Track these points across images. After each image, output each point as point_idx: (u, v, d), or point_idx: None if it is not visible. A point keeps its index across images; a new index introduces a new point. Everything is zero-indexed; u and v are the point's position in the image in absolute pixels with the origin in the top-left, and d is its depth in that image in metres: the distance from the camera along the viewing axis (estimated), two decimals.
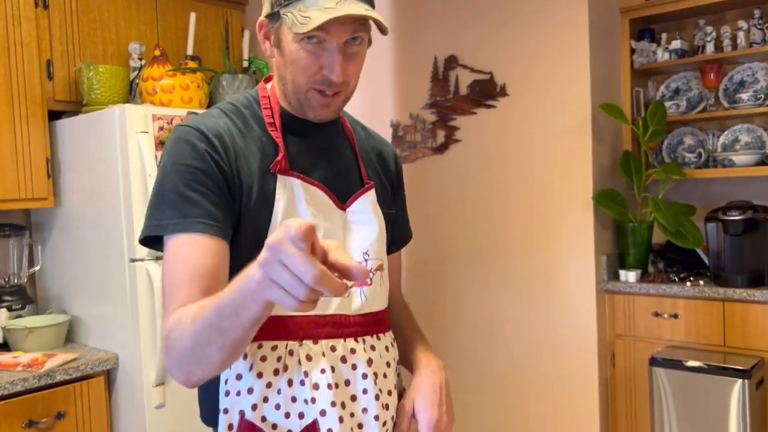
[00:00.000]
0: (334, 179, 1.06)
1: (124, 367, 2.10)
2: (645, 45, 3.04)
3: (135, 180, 2.07)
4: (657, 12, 2.95)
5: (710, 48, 2.90)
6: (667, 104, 3.01)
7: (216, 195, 0.94)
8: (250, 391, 0.93)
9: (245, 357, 0.94)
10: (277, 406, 0.93)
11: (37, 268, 2.46)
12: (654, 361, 2.63)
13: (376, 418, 0.98)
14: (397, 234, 1.22)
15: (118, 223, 2.10)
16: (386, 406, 1.01)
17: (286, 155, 1.02)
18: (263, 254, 0.68)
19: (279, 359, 0.94)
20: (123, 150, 2.08)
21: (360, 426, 0.97)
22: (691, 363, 2.52)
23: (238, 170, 0.97)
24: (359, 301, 1.02)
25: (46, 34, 2.31)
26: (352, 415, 0.96)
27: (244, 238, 0.97)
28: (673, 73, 3.10)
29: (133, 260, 2.07)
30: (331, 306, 0.98)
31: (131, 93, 2.42)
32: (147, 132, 2.08)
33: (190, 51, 2.51)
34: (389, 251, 1.16)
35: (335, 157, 1.09)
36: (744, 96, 2.83)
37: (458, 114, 3.18)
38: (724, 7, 2.92)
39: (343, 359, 0.97)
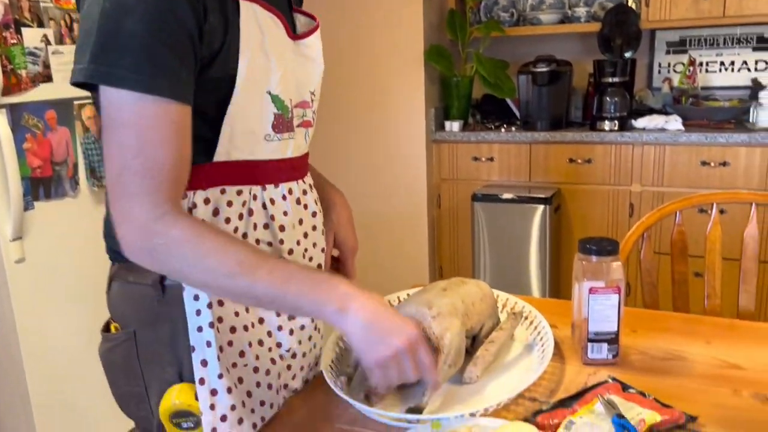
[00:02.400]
0: (279, 5, 0.93)
1: None
2: None
3: None
4: None
5: None
6: None
7: (189, 46, 0.79)
8: None
9: (207, 203, 0.88)
10: None
11: None
12: (475, 197, 3.05)
13: (322, 250, 1.07)
14: None
15: None
16: (325, 239, 1.09)
17: None
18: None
19: (244, 204, 0.91)
20: None
21: (311, 259, 1.03)
22: (505, 196, 2.97)
23: (206, 9, 0.81)
24: (305, 143, 1.02)
25: None
26: (306, 250, 1.02)
27: (208, 82, 0.84)
28: None
29: None
30: (288, 149, 0.96)
31: None
32: None
33: None
34: None
35: None
36: None
37: None
38: None
39: (298, 201, 0.99)
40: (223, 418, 0.87)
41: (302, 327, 1.00)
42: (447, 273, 3.32)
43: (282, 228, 0.96)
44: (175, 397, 0.85)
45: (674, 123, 2.84)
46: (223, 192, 0.90)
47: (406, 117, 3.18)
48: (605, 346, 1.06)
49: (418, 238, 3.32)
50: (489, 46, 3.23)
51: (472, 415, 0.87)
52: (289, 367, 1.01)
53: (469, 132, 3.17)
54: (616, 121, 2.91)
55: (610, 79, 2.93)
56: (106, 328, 0.97)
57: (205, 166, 0.88)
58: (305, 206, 1.01)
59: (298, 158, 1.00)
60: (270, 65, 0.90)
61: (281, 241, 0.95)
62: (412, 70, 3.12)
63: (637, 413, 0.86)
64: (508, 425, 0.84)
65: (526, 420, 0.89)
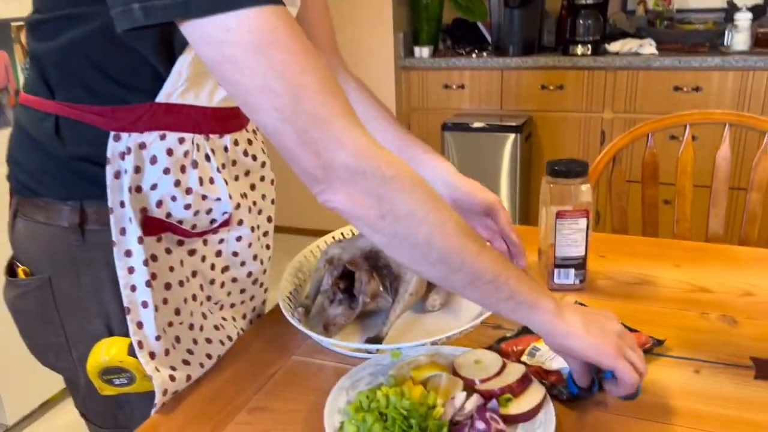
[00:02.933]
0: None
1: None
2: None
3: None
4: None
5: None
6: None
7: None
8: (153, 187, 0.79)
9: (143, 148, 0.78)
10: (187, 206, 0.82)
11: None
12: (445, 127, 2.97)
13: (273, 201, 0.98)
14: None
15: None
16: (272, 181, 0.99)
17: None
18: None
19: (186, 154, 0.81)
20: None
21: (260, 212, 0.96)
22: (476, 125, 2.90)
23: None
24: None
25: None
26: (254, 203, 0.94)
27: None
28: None
29: None
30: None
31: None
32: None
33: None
34: None
35: None
36: None
37: None
38: None
39: (245, 152, 0.90)
40: (171, 378, 0.81)
41: (234, 279, 0.93)
42: None
43: (226, 182, 0.86)
44: (104, 353, 0.78)
45: (648, 47, 2.77)
46: (163, 138, 0.79)
47: (372, 42, 3.06)
48: (572, 271, 1.02)
49: None
50: None
51: (434, 343, 0.84)
52: (224, 318, 0.94)
53: (440, 58, 3.06)
54: (589, 45, 2.83)
55: (583, 1, 2.83)
56: (11, 272, 0.87)
57: (145, 106, 0.78)
58: (254, 157, 0.92)
59: None
60: None
61: (230, 196, 0.86)
62: None
63: None
64: (471, 353, 0.80)
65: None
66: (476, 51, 3.10)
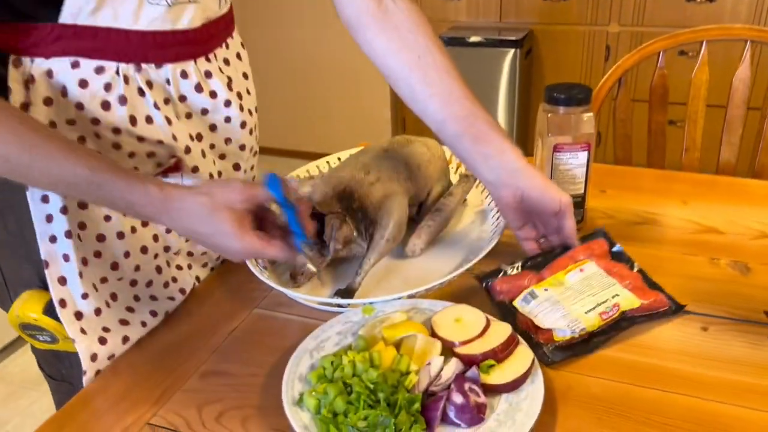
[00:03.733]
0: None
1: None
2: None
3: None
4: None
5: None
6: None
7: None
8: (71, 122, 0.70)
9: (51, 76, 0.67)
10: (116, 146, 0.72)
11: None
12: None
13: (242, 147, 0.85)
14: None
15: None
16: (254, 129, 0.86)
17: None
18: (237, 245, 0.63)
19: (109, 88, 0.69)
20: None
21: (222, 156, 0.83)
22: (472, 39, 2.72)
23: None
24: (217, 4, 0.77)
25: None
26: (212, 146, 0.81)
27: None
28: None
29: None
30: (184, 17, 0.71)
31: None
32: None
33: None
34: None
35: None
36: None
37: None
38: None
39: (199, 87, 0.76)
40: (102, 341, 0.72)
41: None
42: (411, 128, 3.14)
43: (169, 121, 0.74)
44: (18, 307, 0.69)
45: None
46: (75, 66, 0.67)
47: None
48: None
49: (379, 89, 3.10)
50: None
51: (411, 297, 0.75)
52: (179, 267, 0.83)
53: None
54: None
55: None
56: None
57: (47, 26, 0.65)
58: (212, 94, 0.78)
59: (203, 27, 0.75)
60: None
61: (174, 138, 0.74)
62: None
63: (612, 295, 0.73)
64: (451, 308, 0.71)
65: (480, 281, 0.79)
66: None
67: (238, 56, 0.85)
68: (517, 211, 0.79)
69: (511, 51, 2.66)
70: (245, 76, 0.86)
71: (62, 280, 0.69)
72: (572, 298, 0.73)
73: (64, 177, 0.60)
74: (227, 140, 0.83)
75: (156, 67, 0.72)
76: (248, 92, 0.86)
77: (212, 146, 0.82)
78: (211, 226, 0.63)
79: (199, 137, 0.80)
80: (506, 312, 0.75)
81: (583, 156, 0.89)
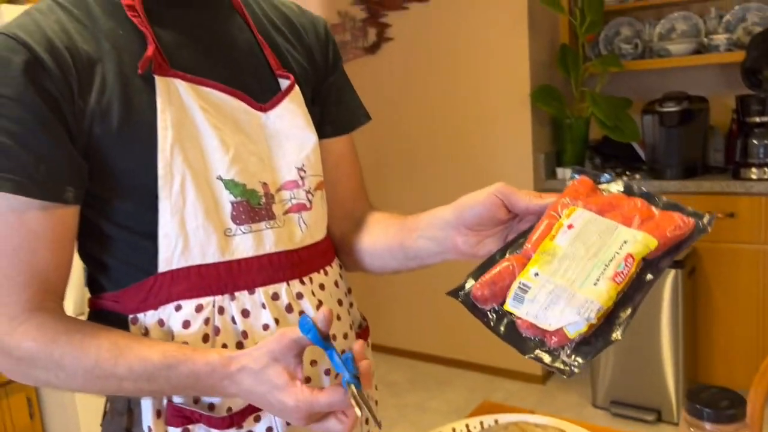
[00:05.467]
0: (234, 76, 0.79)
1: None
2: None
3: None
4: None
5: None
6: None
7: (40, 134, 0.68)
8: None
9: (162, 325, 0.74)
10: None
11: None
12: None
13: (327, 372, 0.82)
14: (338, 113, 0.93)
15: None
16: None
17: (159, 48, 0.74)
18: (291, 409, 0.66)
19: (207, 322, 0.74)
20: None
21: (308, 380, 0.80)
22: None
23: (82, 89, 0.70)
24: (300, 231, 0.82)
25: None
26: (308, 379, 0.80)
27: (122, 176, 0.73)
28: None
29: None
30: (266, 242, 0.77)
31: None
32: None
33: None
34: (327, 133, 0.91)
35: (228, 47, 0.82)
36: None
37: (389, 9, 2.99)
38: None
39: (289, 308, 0.79)
40: None
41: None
42: None
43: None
44: None
45: None
46: (178, 309, 0.74)
47: (510, 164, 2.86)
48: None
49: None
50: (608, 82, 2.85)
51: None
52: None
53: None
54: (766, 168, 2.41)
55: (757, 119, 2.44)
56: None
57: (149, 280, 0.74)
58: (301, 314, 0.79)
59: (288, 253, 0.80)
60: (210, 145, 0.74)
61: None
62: (517, 111, 2.80)
63: (619, 245, 0.55)
64: None
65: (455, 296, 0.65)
66: (628, 172, 2.79)
67: (336, 284, 0.88)
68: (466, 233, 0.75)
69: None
70: (340, 302, 0.88)
71: None
72: (571, 270, 0.56)
73: (145, 370, 0.68)
74: (313, 362, 0.80)
75: (249, 293, 0.76)
76: (338, 318, 0.86)
77: (309, 379, 0.80)
78: (263, 384, 0.66)
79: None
80: (502, 324, 0.58)
81: None
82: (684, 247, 0.58)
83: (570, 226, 0.60)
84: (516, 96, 2.79)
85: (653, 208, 0.62)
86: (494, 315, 0.61)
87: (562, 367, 0.53)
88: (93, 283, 0.80)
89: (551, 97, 2.75)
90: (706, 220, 0.61)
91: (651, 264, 0.58)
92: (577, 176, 0.68)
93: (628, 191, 0.65)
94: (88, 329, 0.71)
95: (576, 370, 0.53)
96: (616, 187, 0.66)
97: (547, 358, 0.53)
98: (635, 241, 0.57)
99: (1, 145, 0.67)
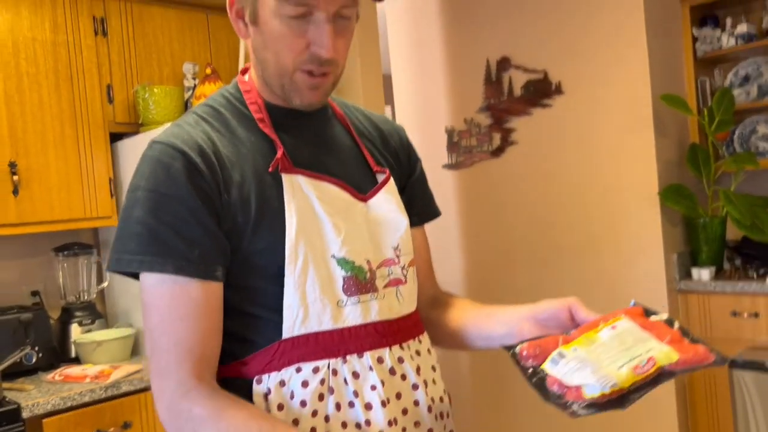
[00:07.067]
0: (341, 171, 0.95)
1: None
2: (708, 32, 2.89)
3: None
4: None
5: None
6: (737, 92, 2.85)
7: (194, 225, 0.83)
8: (295, 422, 0.84)
9: (282, 385, 0.85)
10: None
11: (105, 284, 2.56)
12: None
13: (430, 431, 0.92)
14: (422, 206, 1.09)
15: None
16: (440, 416, 0.95)
17: (285, 151, 0.90)
18: None
19: (323, 382, 0.85)
20: None
21: None
22: None
23: (226, 185, 0.86)
24: (398, 303, 0.94)
25: (105, 60, 2.42)
26: (404, 430, 0.89)
27: (255, 256, 0.87)
28: (741, 60, 2.93)
29: None
30: (371, 312, 0.89)
31: (186, 111, 2.49)
32: None
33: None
34: (413, 223, 1.04)
35: (335, 148, 0.98)
36: None
37: (513, 115, 3.11)
38: None
39: (392, 371, 0.89)
40: None
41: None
42: None
43: (368, 406, 0.86)
44: None
45: None
46: (298, 371, 0.86)
47: (639, 264, 2.78)
48: None
49: (664, 413, 2.76)
50: (745, 180, 2.75)
51: None
52: None
53: (725, 281, 2.64)
54: None
55: None
56: None
57: (274, 346, 0.86)
58: (402, 377, 0.90)
59: (389, 322, 0.92)
60: (325, 229, 0.88)
61: (367, 422, 0.85)
62: (646, 211, 2.75)
63: (647, 349, 0.70)
64: None
65: (508, 349, 0.81)
66: None
67: (429, 351, 0.98)
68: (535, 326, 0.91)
69: None
70: (433, 368, 0.97)
71: None
72: (603, 354, 0.70)
73: None
74: (416, 423, 0.90)
75: (358, 356, 0.87)
76: (434, 382, 0.96)
77: (404, 429, 0.89)
78: None
79: (394, 422, 0.87)
80: (535, 377, 0.73)
81: None
82: (698, 370, 0.70)
83: (613, 327, 0.75)
84: (644, 195, 2.75)
85: (686, 339, 0.74)
86: (532, 370, 0.77)
87: (571, 411, 0.67)
88: (221, 353, 0.89)
89: (681, 196, 2.69)
90: (724, 358, 0.72)
91: (666, 372, 0.69)
92: (632, 304, 0.84)
93: (670, 324, 0.78)
94: (251, 409, 0.81)
95: (581, 413, 0.66)
96: (661, 319, 0.80)
97: (561, 408, 0.66)
98: (661, 350, 0.70)
99: (165, 236, 0.82)
